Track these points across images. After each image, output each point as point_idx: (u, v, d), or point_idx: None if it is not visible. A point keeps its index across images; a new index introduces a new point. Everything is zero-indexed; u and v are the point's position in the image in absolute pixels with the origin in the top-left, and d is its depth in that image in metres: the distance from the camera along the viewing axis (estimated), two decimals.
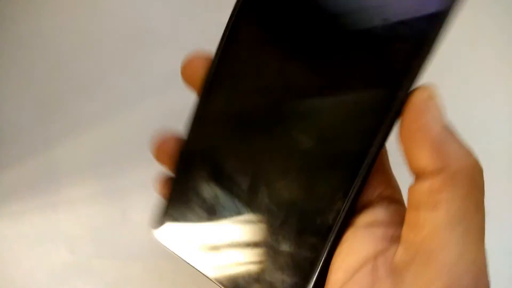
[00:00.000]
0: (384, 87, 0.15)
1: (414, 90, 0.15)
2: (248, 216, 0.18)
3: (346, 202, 0.16)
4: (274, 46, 0.18)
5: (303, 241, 0.17)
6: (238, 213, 0.19)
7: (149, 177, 0.30)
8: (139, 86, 0.29)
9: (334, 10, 0.16)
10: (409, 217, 0.15)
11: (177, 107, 0.29)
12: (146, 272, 0.30)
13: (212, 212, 0.19)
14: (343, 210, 0.16)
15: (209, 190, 0.19)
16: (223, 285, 0.19)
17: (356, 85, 0.16)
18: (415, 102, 0.15)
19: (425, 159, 0.14)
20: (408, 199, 0.15)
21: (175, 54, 0.29)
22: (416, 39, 0.15)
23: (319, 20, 0.17)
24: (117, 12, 0.29)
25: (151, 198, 0.30)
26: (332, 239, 0.16)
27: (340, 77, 0.16)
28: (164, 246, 0.21)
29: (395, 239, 0.15)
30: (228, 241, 0.19)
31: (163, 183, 0.21)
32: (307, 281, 0.17)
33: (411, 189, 0.15)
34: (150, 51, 0.29)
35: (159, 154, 0.20)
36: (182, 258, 0.20)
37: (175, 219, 0.20)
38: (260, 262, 0.18)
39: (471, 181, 0.14)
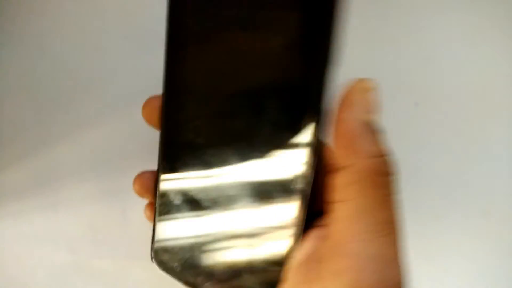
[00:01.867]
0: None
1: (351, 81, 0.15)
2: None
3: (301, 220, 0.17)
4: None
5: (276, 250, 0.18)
6: (219, 224, 0.20)
7: None
8: (139, 86, 0.29)
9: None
10: (327, 210, 0.16)
11: None
12: (146, 272, 0.30)
13: (197, 228, 0.21)
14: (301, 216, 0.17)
15: (189, 206, 0.21)
16: None
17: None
18: (346, 93, 0.15)
19: (338, 153, 0.15)
20: (324, 194, 0.16)
21: None
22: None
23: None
24: (117, 12, 0.29)
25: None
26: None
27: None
28: (165, 273, 0.22)
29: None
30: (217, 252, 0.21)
31: (149, 207, 0.22)
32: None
33: (328, 182, 0.16)
34: (150, 51, 0.29)
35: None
36: (182, 283, 0.22)
37: (165, 244, 0.22)
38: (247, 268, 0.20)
39: (375, 180, 0.14)
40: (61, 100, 0.30)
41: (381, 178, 0.14)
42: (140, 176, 0.21)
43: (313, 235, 0.17)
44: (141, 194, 0.22)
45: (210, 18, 0.19)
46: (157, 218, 0.22)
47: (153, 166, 0.30)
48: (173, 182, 0.21)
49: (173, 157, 0.22)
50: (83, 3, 0.29)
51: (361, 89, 0.15)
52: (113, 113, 0.29)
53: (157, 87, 0.29)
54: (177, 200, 0.21)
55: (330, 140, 0.16)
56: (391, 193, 0.15)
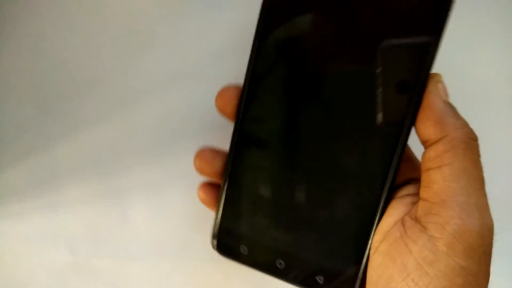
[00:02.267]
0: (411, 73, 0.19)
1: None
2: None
3: (386, 183, 0.19)
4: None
5: (357, 216, 0.20)
6: (290, 207, 0.21)
7: (149, 177, 0.30)
8: (139, 86, 0.29)
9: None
10: (423, 179, 0.18)
11: (177, 107, 0.29)
12: (146, 272, 0.30)
13: (264, 214, 0.22)
14: (385, 190, 0.19)
15: (259, 193, 0.22)
16: (288, 280, 0.21)
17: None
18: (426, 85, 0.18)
19: (430, 130, 0.18)
20: (421, 165, 0.19)
21: (175, 54, 0.29)
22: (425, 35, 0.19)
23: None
24: (117, 12, 0.29)
25: (151, 198, 0.30)
26: (379, 211, 0.20)
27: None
28: (228, 259, 0.23)
29: (418, 202, 0.19)
30: (283, 238, 0.21)
31: (205, 188, 0.24)
32: (364, 251, 0.20)
33: (422, 157, 0.18)
34: (150, 51, 0.29)
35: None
36: (247, 267, 0.22)
37: (230, 230, 0.22)
38: (317, 247, 0.21)
39: (466, 145, 0.17)
40: (61, 100, 0.30)
41: (470, 142, 0.17)
42: (201, 152, 0.23)
43: (399, 203, 0.19)
44: (201, 170, 0.23)
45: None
46: (222, 202, 0.22)
47: (153, 166, 0.30)
48: (243, 170, 0.22)
49: (246, 148, 0.22)
50: (83, 3, 0.29)
51: (435, 80, 0.19)
52: (113, 113, 0.29)
53: (157, 87, 0.29)
54: (246, 186, 0.22)
55: (418, 123, 0.18)
56: (478, 154, 0.18)
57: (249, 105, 0.21)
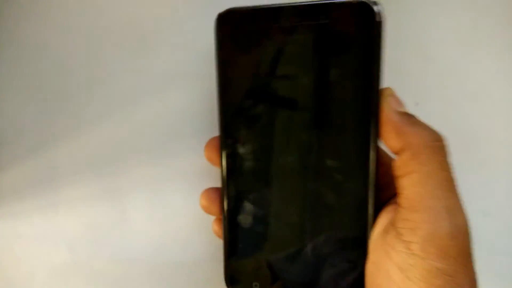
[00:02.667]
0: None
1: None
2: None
3: (369, 196, 0.21)
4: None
5: (353, 234, 0.21)
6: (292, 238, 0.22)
7: (149, 177, 0.30)
8: (139, 86, 0.29)
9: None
10: (396, 185, 0.19)
11: (177, 107, 0.29)
12: (146, 272, 0.30)
13: (267, 249, 0.23)
14: (370, 203, 0.21)
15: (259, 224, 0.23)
16: None
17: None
18: (380, 100, 0.20)
19: (392, 143, 0.19)
20: (393, 172, 0.19)
21: (175, 54, 0.29)
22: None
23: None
24: (117, 12, 0.29)
25: (151, 198, 0.30)
26: (370, 226, 0.21)
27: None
28: None
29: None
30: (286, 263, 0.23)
31: (217, 222, 0.25)
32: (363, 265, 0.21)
33: (392, 165, 0.19)
34: (150, 51, 0.29)
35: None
36: None
37: (239, 269, 0.23)
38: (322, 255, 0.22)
39: (430, 149, 0.18)
40: (61, 100, 0.30)
41: (434, 145, 0.18)
42: (206, 192, 0.24)
43: (384, 211, 0.20)
44: (209, 210, 0.24)
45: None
46: (226, 242, 0.23)
47: (153, 166, 0.30)
48: (237, 211, 0.23)
49: (236, 188, 0.23)
50: (83, 4, 0.29)
51: (385, 95, 0.20)
52: (113, 113, 0.29)
53: (157, 87, 0.29)
54: (245, 220, 0.23)
55: (382, 138, 0.20)
56: (444, 155, 0.18)
57: (228, 151, 0.23)
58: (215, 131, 0.28)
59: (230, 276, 0.23)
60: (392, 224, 0.19)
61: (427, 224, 0.17)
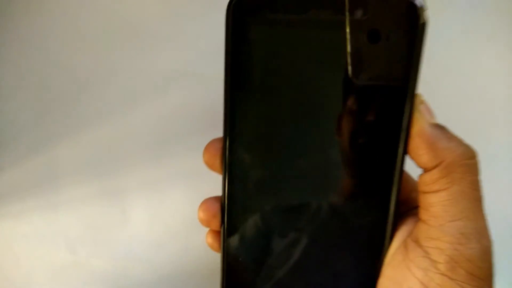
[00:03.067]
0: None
1: None
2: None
3: (389, 212, 0.19)
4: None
5: (366, 250, 0.20)
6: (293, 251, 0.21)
7: (149, 177, 0.30)
8: (139, 86, 0.29)
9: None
10: (420, 200, 0.18)
11: (177, 107, 0.29)
12: (146, 272, 0.30)
13: (273, 265, 0.21)
14: (390, 218, 0.19)
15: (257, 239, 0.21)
16: None
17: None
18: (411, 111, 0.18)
19: (424, 159, 0.18)
20: (418, 187, 0.18)
21: (175, 54, 0.29)
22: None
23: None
24: (117, 12, 0.29)
25: (151, 198, 0.30)
26: (388, 239, 0.20)
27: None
28: None
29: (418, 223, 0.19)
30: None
31: (212, 234, 0.23)
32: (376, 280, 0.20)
33: (419, 179, 0.18)
34: (150, 51, 0.29)
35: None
36: None
37: (239, 283, 0.22)
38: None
39: (463, 168, 0.17)
40: (61, 100, 0.30)
41: (467, 164, 0.17)
42: (205, 203, 0.22)
43: (401, 225, 0.20)
44: (208, 223, 0.22)
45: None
46: (225, 255, 0.22)
47: (153, 166, 0.30)
48: (240, 218, 0.21)
49: (236, 199, 0.21)
50: (84, 4, 0.29)
51: (419, 102, 0.18)
52: (113, 113, 0.29)
53: (157, 87, 0.29)
54: (247, 234, 0.21)
55: (410, 153, 0.18)
56: (476, 174, 0.17)
57: (232, 161, 0.20)
58: (215, 131, 0.28)
59: None
60: (415, 241, 0.18)
61: (457, 245, 0.17)
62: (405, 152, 0.18)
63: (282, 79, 0.19)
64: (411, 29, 0.17)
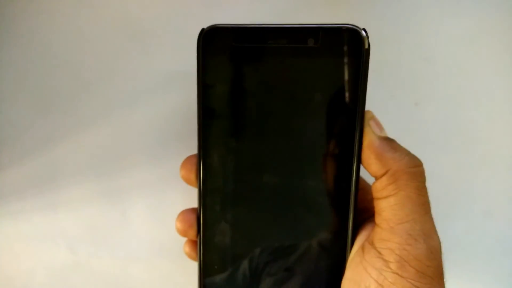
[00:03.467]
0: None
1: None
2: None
3: (349, 216, 0.21)
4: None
5: (331, 252, 0.22)
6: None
7: (149, 177, 0.30)
8: (138, 86, 0.29)
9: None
10: (375, 206, 0.20)
11: (177, 107, 0.29)
12: (146, 272, 0.30)
13: (242, 266, 0.23)
14: (350, 222, 0.21)
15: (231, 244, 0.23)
16: None
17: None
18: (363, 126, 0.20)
19: (373, 167, 0.20)
20: (372, 194, 0.20)
21: (175, 54, 0.29)
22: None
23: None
24: (117, 12, 0.29)
25: (151, 198, 0.30)
26: (350, 241, 0.21)
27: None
28: None
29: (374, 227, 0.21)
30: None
31: (189, 244, 0.25)
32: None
33: (372, 187, 0.20)
34: (149, 51, 0.29)
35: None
36: None
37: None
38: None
39: (408, 175, 0.19)
40: (61, 100, 0.30)
41: (411, 172, 0.19)
42: (181, 215, 0.24)
43: (361, 230, 0.22)
44: (185, 233, 0.24)
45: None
46: (201, 264, 0.23)
47: (153, 166, 0.30)
48: (215, 226, 0.23)
49: (211, 211, 0.23)
50: (84, 4, 0.29)
51: (367, 118, 0.20)
52: (113, 113, 0.29)
53: (157, 87, 0.29)
54: (222, 241, 0.23)
55: (363, 162, 0.20)
56: (421, 180, 0.19)
57: (206, 170, 0.22)
58: None
59: None
60: (370, 243, 0.20)
61: (405, 245, 0.18)
62: (359, 163, 0.21)
63: (247, 100, 0.21)
64: (357, 55, 0.20)
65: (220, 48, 0.21)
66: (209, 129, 0.22)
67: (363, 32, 0.20)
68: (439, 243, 0.19)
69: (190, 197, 0.29)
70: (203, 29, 0.21)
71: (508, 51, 0.27)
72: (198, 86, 0.21)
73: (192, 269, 0.31)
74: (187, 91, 0.29)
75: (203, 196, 0.22)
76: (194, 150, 0.29)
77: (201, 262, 0.23)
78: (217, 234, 0.23)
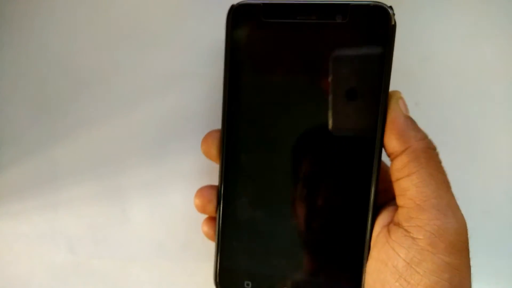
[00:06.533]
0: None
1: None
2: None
3: (370, 196, 0.21)
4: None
5: (350, 233, 0.21)
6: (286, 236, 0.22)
7: (149, 177, 0.30)
8: (139, 86, 0.29)
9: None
10: (395, 188, 0.20)
11: (177, 107, 0.29)
12: (146, 272, 0.30)
13: (262, 246, 0.23)
14: (371, 203, 0.21)
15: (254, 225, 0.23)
16: None
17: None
18: (388, 102, 0.21)
19: (394, 143, 0.20)
20: (392, 176, 0.20)
21: (175, 54, 0.29)
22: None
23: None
24: (117, 12, 0.29)
25: (151, 198, 0.30)
26: (370, 223, 0.21)
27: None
28: None
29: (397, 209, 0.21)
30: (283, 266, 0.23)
31: (207, 222, 0.25)
32: (362, 262, 0.21)
33: (391, 168, 0.20)
34: (150, 51, 0.29)
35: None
36: None
37: (231, 268, 0.23)
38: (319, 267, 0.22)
39: (427, 154, 0.19)
40: (61, 100, 0.30)
41: (430, 152, 0.19)
42: (200, 190, 0.24)
43: (380, 214, 0.21)
44: (203, 209, 0.24)
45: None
46: (219, 240, 0.23)
47: (153, 166, 0.30)
48: (233, 206, 0.23)
49: (233, 188, 0.23)
50: (84, 3, 0.29)
51: (396, 97, 0.21)
52: (113, 113, 0.29)
53: (157, 87, 0.29)
54: (241, 219, 0.23)
55: (384, 137, 0.21)
56: (439, 161, 0.20)
57: (230, 143, 0.23)
58: None
59: (221, 275, 0.23)
60: (396, 224, 0.20)
61: (435, 221, 0.18)
62: (382, 139, 0.21)
63: (274, 74, 0.22)
64: (383, 31, 0.20)
65: (249, 23, 0.21)
66: (234, 103, 0.22)
67: (390, 10, 0.20)
68: (465, 219, 0.19)
69: (190, 197, 0.29)
70: (232, 5, 0.21)
71: (509, 51, 0.27)
72: (225, 60, 0.22)
73: (192, 269, 0.31)
74: (187, 91, 0.29)
75: (224, 170, 0.23)
76: (194, 150, 0.29)
77: (219, 238, 0.23)
78: (237, 209, 0.23)
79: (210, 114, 0.28)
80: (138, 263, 0.30)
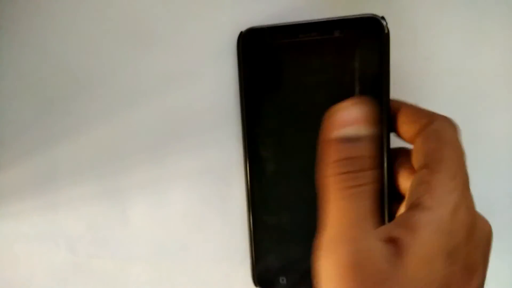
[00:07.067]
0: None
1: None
2: None
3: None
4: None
5: None
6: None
7: (149, 177, 0.30)
8: (139, 86, 0.29)
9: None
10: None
11: (177, 107, 0.29)
12: (146, 272, 0.30)
13: (295, 242, 0.24)
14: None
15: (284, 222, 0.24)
16: None
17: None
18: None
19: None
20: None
21: (175, 54, 0.29)
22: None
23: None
24: (117, 12, 0.29)
25: (151, 198, 0.30)
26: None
27: None
28: None
29: None
30: None
31: None
32: None
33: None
34: (150, 51, 0.29)
35: None
36: None
37: (266, 265, 0.25)
38: None
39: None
40: (61, 100, 0.30)
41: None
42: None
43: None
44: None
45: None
46: (252, 239, 0.25)
47: (153, 166, 0.30)
48: (263, 204, 0.25)
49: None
50: (84, 3, 0.29)
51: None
52: (113, 113, 0.29)
53: (157, 87, 0.29)
54: (273, 216, 0.24)
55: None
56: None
57: (253, 154, 0.25)
58: (215, 131, 0.28)
59: (258, 276, 0.25)
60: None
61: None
62: (389, 139, 0.22)
63: (287, 88, 0.24)
64: (378, 39, 0.23)
65: (257, 46, 0.24)
66: (254, 125, 0.24)
67: (382, 20, 0.23)
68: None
69: (190, 197, 0.29)
70: (241, 32, 0.24)
71: (509, 51, 0.27)
72: (240, 81, 0.25)
73: (192, 269, 0.31)
74: (187, 91, 0.29)
75: (251, 175, 0.25)
76: (194, 150, 0.29)
77: (253, 241, 0.24)
78: (269, 209, 0.24)
79: (210, 114, 0.28)
80: (138, 263, 0.30)
